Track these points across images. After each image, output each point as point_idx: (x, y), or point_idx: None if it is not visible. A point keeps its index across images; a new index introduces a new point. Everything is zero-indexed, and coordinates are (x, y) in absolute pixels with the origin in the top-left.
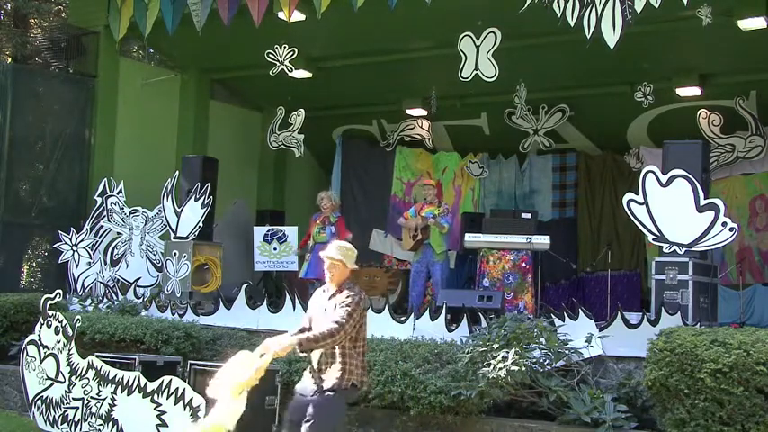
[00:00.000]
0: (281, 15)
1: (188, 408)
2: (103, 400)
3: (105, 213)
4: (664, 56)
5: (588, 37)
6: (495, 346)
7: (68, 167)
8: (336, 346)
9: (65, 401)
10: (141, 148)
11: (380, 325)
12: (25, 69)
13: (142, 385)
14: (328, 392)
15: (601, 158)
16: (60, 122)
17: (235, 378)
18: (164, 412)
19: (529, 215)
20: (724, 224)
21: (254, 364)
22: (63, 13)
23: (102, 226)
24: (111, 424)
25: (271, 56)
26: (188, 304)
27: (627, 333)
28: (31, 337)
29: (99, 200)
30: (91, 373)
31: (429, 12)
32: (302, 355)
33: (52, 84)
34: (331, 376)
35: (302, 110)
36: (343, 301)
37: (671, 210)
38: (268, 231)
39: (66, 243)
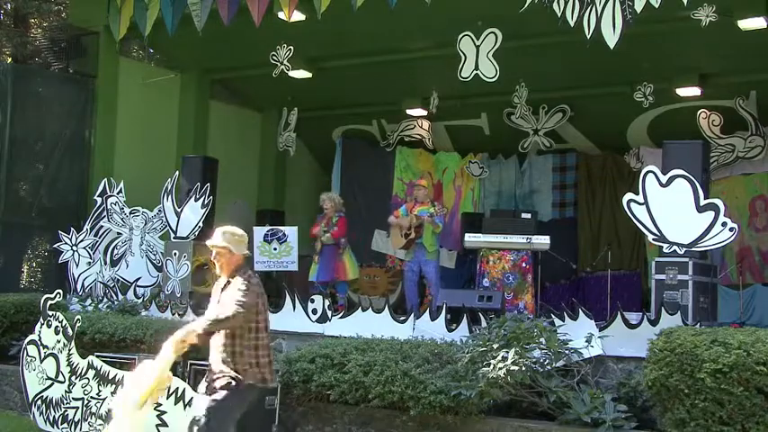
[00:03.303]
0: (281, 15)
1: (188, 408)
2: (103, 400)
3: (105, 213)
4: (664, 56)
5: (588, 37)
6: (495, 346)
7: (68, 167)
8: (227, 342)
9: (65, 401)
10: (141, 148)
11: (380, 325)
12: (25, 69)
13: None
14: (220, 391)
15: (601, 158)
16: (60, 122)
17: (136, 390)
18: (164, 412)
19: (529, 215)
20: (724, 224)
21: (154, 372)
22: (63, 13)
23: (102, 226)
24: None
25: (273, 57)
26: (188, 304)
27: (627, 333)
28: (31, 337)
29: (99, 200)
30: (91, 373)
31: (429, 12)
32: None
33: (52, 84)
34: (225, 374)
35: (296, 108)
36: (239, 288)
37: (671, 210)
38: (268, 231)
39: (66, 243)
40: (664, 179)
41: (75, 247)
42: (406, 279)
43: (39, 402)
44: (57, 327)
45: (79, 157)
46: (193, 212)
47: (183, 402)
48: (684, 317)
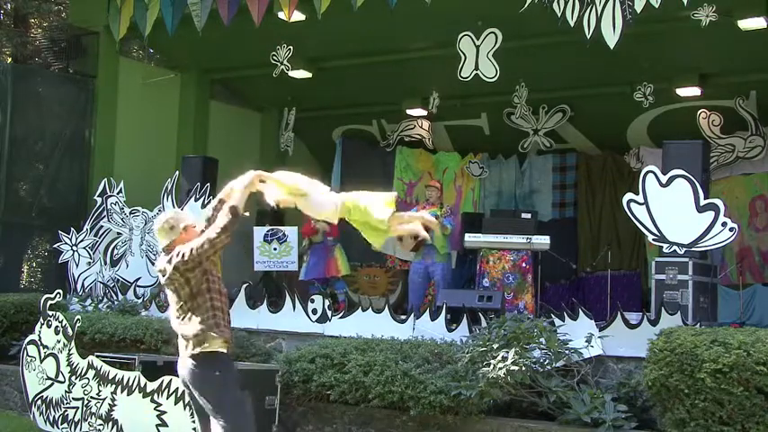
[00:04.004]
0: (281, 15)
1: (188, 408)
2: (103, 400)
3: (105, 213)
4: (664, 56)
5: (588, 37)
6: (495, 346)
7: (68, 167)
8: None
9: (65, 401)
10: (141, 148)
11: (380, 325)
12: (25, 69)
13: (142, 385)
14: None
15: (601, 158)
16: (60, 122)
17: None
18: (164, 412)
19: (529, 215)
20: (724, 224)
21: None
22: (63, 13)
23: (102, 226)
24: (111, 424)
25: (273, 57)
26: None
27: (627, 333)
28: (31, 337)
29: (99, 200)
30: (91, 373)
31: (429, 12)
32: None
33: (52, 84)
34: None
35: (294, 108)
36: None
37: (671, 210)
38: (268, 231)
39: (66, 243)
40: (664, 179)
41: (75, 247)
42: (411, 280)
43: (39, 402)
44: (57, 327)
45: (79, 157)
46: (193, 212)
47: (183, 402)
48: (684, 317)
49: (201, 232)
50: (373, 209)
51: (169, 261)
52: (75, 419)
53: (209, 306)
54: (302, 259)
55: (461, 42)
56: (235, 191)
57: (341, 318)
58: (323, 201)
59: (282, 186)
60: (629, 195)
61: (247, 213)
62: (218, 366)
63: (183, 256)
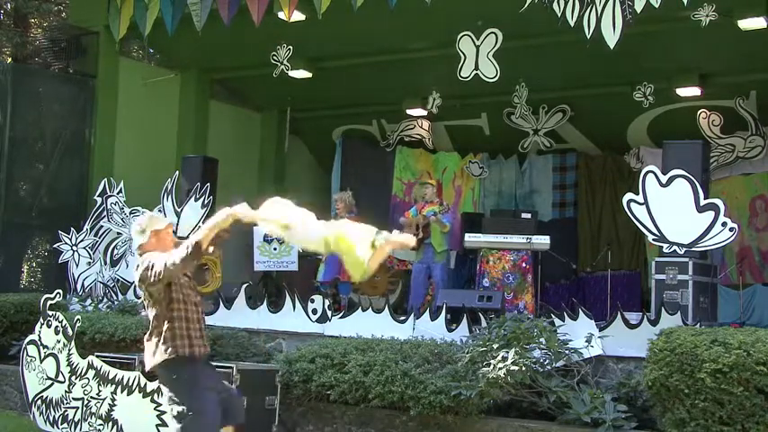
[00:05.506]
0: (281, 15)
1: None
2: (103, 400)
3: (105, 213)
4: (664, 56)
5: (588, 37)
6: (495, 346)
7: (68, 167)
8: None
9: (65, 401)
10: (141, 148)
11: (380, 325)
12: (25, 69)
13: (142, 385)
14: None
15: (601, 158)
16: (60, 122)
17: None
18: (164, 412)
19: (529, 215)
20: (724, 224)
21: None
22: (63, 13)
23: (102, 226)
24: (111, 424)
25: (273, 57)
26: None
27: (627, 333)
28: (31, 337)
29: (99, 200)
30: (91, 373)
31: (429, 12)
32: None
33: (52, 84)
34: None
35: (288, 108)
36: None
37: (671, 210)
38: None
39: (66, 243)
40: (664, 179)
41: (75, 247)
42: (414, 279)
43: (39, 402)
44: (57, 327)
45: (79, 157)
46: (193, 212)
47: None
48: (684, 317)
49: (178, 240)
50: (358, 248)
51: (136, 267)
52: (75, 419)
53: (174, 316)
54: (319, 260)
55: (461, 42)
56: (203, 228)
57: (341, 318)
58: (308, 233)
59: (263, 221)
60: (629, 195)
61: (211, 249)
62: (176, 371)
63: (147, 270)
